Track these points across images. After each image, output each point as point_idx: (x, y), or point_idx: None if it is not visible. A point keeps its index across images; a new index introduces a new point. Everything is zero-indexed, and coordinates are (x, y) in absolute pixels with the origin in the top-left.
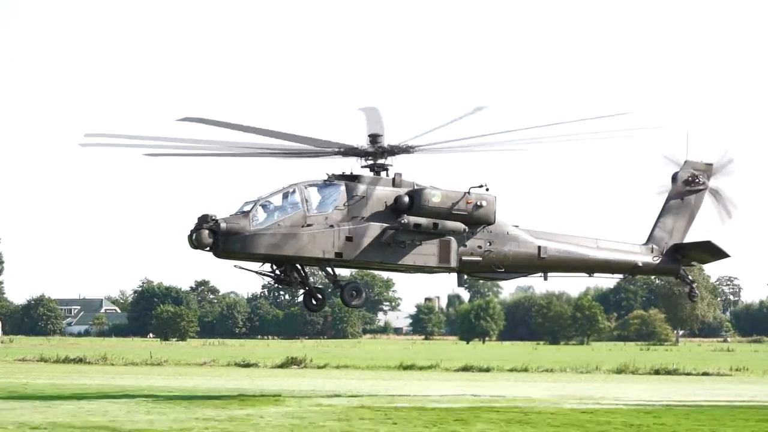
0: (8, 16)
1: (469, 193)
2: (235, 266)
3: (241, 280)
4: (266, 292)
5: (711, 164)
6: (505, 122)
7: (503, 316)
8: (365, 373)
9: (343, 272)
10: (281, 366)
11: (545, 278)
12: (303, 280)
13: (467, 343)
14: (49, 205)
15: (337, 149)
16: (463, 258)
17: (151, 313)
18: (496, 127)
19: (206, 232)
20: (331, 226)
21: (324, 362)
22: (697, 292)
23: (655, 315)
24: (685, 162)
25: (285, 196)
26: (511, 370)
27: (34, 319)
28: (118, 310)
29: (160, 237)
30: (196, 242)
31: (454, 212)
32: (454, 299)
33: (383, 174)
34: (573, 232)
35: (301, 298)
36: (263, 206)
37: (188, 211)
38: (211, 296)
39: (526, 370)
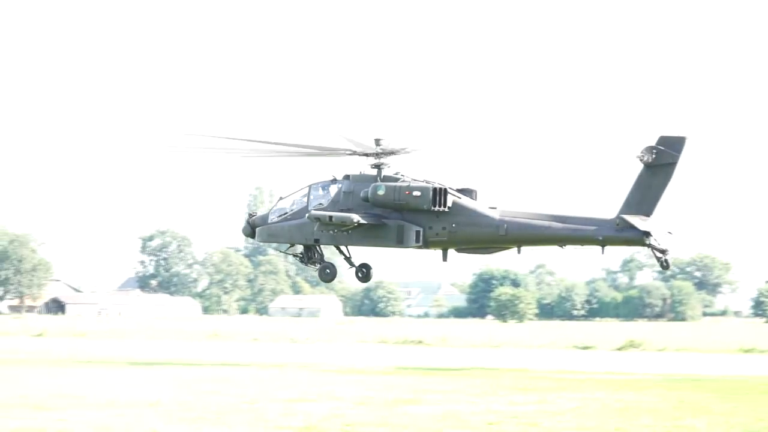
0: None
1: (408, 186)
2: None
3: (579, 263)
4: (605, 274)
5: (683, 137)
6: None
7: None
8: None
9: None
10: (620, 349)
11: (518, 252)
12: (320, 258)
13: None
14: None
15: (347, 151)
16: (430, 239)
17: (489, 295)
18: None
19: (246, 225)
20: None
21: (663, 345)
22: (667, 261)
23: None
24: (659, 137)
25: (298, 194)
26: None
27: (374, 301)
28: (458, 293)
29: None
30: (242, 233)
31: (396, 202)
32: None
33: (384, 171)
34: (560, 210)
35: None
36: (285, 203)
37: None
38: (549, 278)
39: None
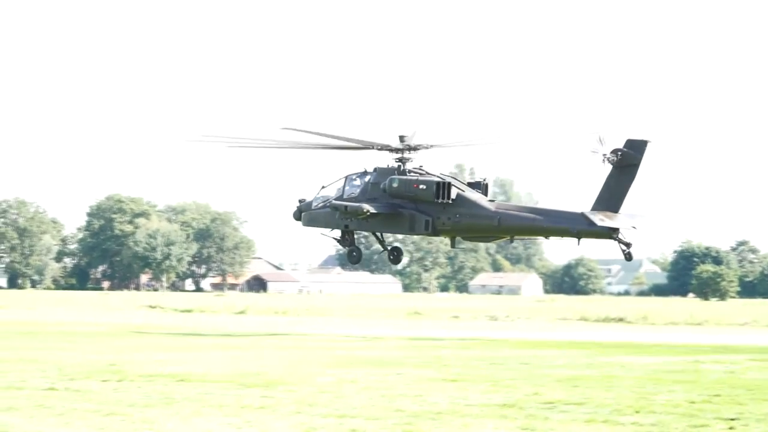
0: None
1: (417, 180)
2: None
3: None
4: None
5: (645, 141)
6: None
7: None
8: None
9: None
10: None
11: (511, 241)
12: (351, 242)
13: None
14: None
15: (375, 146)
16: (438, 227)
17: (691, 272)
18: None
19: (296, 210)
20: None
21: None
22: (630, 253)
23: None
24: (626, 140)
25: (336, 184)
26: None
27: (574, 278)
28: (659, 270)
29: (700, 197)
30: (292, 217)
31: (407, 194)
32: None
33: (408, 165)
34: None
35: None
36: (326, 191)
37: None
38: (752, 256)
39: None
